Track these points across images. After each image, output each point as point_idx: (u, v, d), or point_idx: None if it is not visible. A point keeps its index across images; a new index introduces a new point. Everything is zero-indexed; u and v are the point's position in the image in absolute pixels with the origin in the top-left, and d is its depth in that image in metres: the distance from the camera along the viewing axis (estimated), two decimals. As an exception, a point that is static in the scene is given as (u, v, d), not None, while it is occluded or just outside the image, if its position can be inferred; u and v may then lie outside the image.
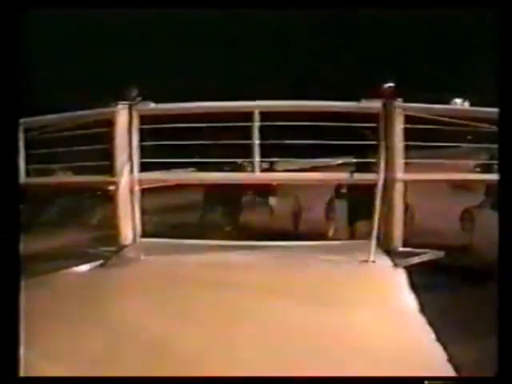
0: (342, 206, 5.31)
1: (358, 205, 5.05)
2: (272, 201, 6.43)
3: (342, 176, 4.32)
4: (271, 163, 5.57)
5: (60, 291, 2.90)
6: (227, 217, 6.01)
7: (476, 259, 4.06)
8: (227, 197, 5.82)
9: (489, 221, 4.71)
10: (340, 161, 6.15)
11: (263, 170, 4.24)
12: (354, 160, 4.51)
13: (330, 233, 5.36)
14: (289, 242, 3.97)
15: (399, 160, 3.72)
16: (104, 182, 4.33)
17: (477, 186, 5.27)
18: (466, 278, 3.64)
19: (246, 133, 3.83)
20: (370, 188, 4.34)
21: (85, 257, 3.66)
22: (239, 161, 5.07)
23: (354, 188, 5.00)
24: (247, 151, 4.13)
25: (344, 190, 5.32)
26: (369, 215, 3.69)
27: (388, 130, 3.70)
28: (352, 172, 4.22)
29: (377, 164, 3.71)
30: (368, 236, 3.66)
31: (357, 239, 4.33)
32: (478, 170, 4.88)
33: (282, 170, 6.02)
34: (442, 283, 3.49)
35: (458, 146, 4.26)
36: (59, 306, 2.57)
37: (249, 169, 5.02)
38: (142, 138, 3.89)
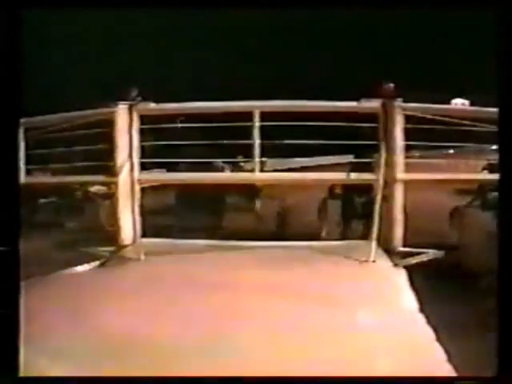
0: (336, 206, 5.30)
1: (353, 205, 5.05)
2: (266, 201, 6.43)
3: (342, 176, 4.30)
4: (261, 162, 5.54)
5: (60, 291, 2.90)
6: (219, 217, 6.01)
7: (469, 257, 4.05)
8: (219, 197, 5.82)
9: (477, 219, 4.74)
10: (339, 160, 6.14)
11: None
12: (354, 160, 4.50)
13: (324, 233, 5.35)
14: (288, 242, 3.96)
15: (399, 160, 3.72)
16: (104, 181, 4.32)
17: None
18: (464, 277, 3.65)
19: (240, 133, 3.83)
20: (366, 188, 4.34)
21: (84, 257, 3.67)
22: (219, 162, 5.10)
23: (348, 188, 4.99)
24: (233, 152, 4.12)
25: (338, 190, 5.31)
26: (364, 215, 3.66)
27: (388, 129, 3.70)
28: (351, 172, 4.21)
29: (377, 164, 3.71)
30: (364, 236, 3.64)
31: (351, 239, 4.31)
32: (485, 172, 4.86)
33: (272, 170, 6.01)
34: (441, 282, 3.50)
35: (460, 147, 4.25)
36: (59, 305, 2.57)
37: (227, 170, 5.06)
38: (141, 138, 3.89)
